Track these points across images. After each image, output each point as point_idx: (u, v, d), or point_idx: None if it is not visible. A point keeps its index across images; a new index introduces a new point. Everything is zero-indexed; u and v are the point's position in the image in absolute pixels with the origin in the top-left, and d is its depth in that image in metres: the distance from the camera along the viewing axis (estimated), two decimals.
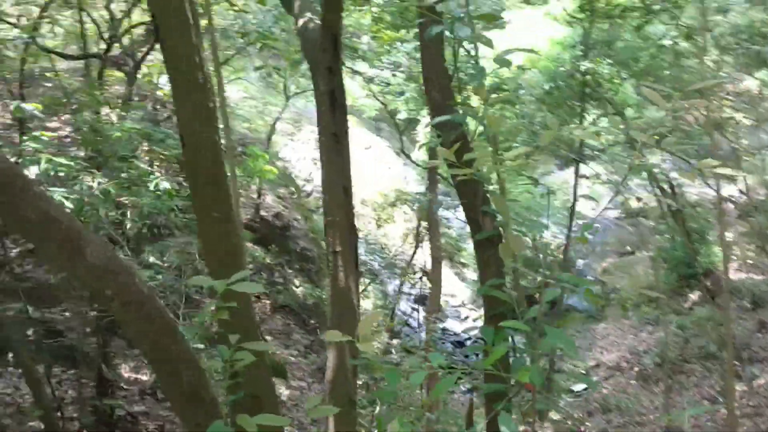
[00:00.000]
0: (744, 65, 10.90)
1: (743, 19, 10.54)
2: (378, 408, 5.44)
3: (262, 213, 10.84)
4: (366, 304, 14.34)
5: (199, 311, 5.70)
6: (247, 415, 1.70)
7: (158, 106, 9.45)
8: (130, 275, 1.93)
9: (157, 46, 4.24)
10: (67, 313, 5.36)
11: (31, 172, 3.36)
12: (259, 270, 10.51)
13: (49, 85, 8.62)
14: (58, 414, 4.69)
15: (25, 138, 4.04)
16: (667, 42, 9.90)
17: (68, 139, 7.43)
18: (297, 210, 11.99)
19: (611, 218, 18.32)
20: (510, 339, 2.77)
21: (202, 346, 4.06)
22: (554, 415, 8.33)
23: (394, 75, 8.43)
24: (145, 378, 6.08)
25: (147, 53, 7.07)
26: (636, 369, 12.60)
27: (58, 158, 3.64)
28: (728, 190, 14.01)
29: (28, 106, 4.14)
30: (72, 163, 3.74)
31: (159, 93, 7.62)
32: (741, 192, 14.82)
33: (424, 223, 15.53)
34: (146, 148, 5.78)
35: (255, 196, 10.81)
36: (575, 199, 8.80)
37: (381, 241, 13.55)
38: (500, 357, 1.80)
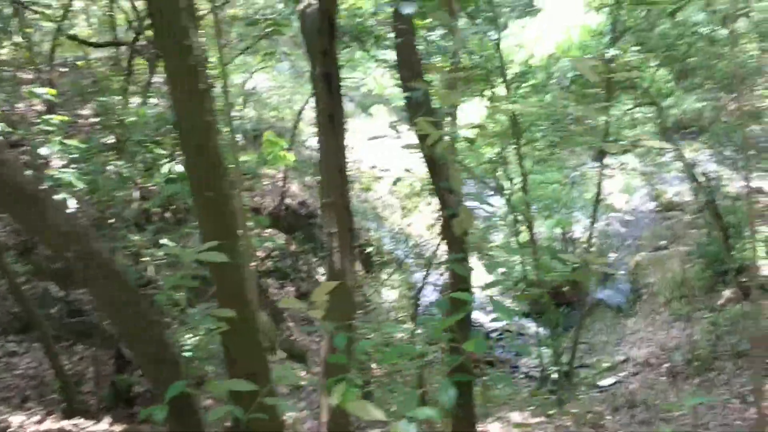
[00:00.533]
0: None
1: None
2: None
3: (288, 201, 10.98)
4: (392, 294, 14.41)
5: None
6: (216, 382, 1.74)
7: None
8: (92, 239, 2.00)
9: None
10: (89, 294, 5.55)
11: (42, 153, 3.49)
12: (284, 256, 10.66)
13: (83, 73, 8.90)
14: (78, 389, 4.88)
15: (37, 122, 4.20)
16: (703, 29, 9.57)
17: (98, 126, 7.66)
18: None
19: (646, 211, 17.89)
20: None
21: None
22: (574, 408, 8.23)
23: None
24: None
25: None
26: (666, 365, 12.32)
27: (71, 141, 3.76)
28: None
29: (41, 90, 4.29)
30: (83, 146, 3.86)
31: None
32: None
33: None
34: (173, 134, 5.92)
35: (280, 184, 10.94)
36: (599, 192, 8.60)
37: (406, 231, 13.55)
38: (461, 329, 1.80)
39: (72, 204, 3.77)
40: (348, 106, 19.65)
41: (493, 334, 14.83)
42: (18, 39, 6.71)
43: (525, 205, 13.28)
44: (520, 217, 11.95)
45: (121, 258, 5.02)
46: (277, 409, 2.79)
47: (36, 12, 6.64)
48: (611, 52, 7.76)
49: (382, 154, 16.58)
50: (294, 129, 10.78)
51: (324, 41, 2.92)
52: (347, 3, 8.79)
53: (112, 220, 5.31)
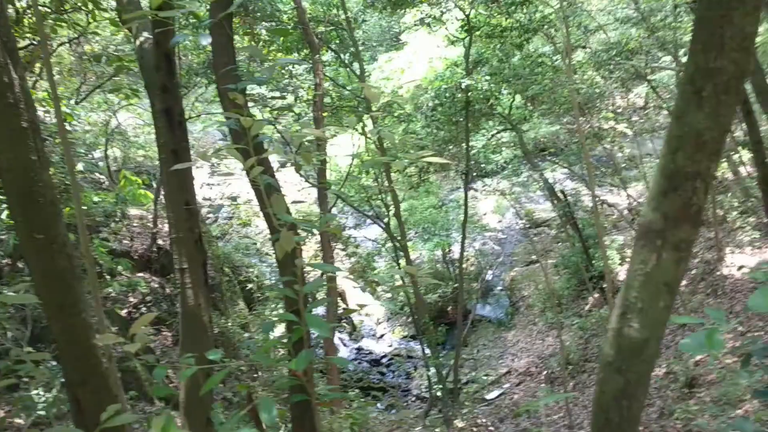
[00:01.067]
0: (619, 80, 11.69)
1: (617, 36, 11.36)
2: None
3: (160, 242, 10.48)
4: (277, 330, 14.10)
5: None
6: None
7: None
8: None
9: None
10: None
11: None
12: (159, 300, 10.13)
13: None
14: None
15: None
16: (547, 60, 10.48)
17: None
18: None
19: (517, 229, 19.06)
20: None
21: None
22: (460, 423, 8.48)
23: (284, 96, 8.46)
24: None
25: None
26: (544, 373, 13.08)
27: None
28: (622, 196, 14.96)
29: None
30: None
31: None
32: (630, 197, 15.89)
33: (335, 243, 15.54)
34: None
35: (151, 225, 10.44)
36: (466, 213, 9.05)
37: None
38: (297, 351, 1.82)
39: None
40: (222, 143, 19.29)
41: (383, 360, 15.00)
42: None
43: (398, 230, 13.70)
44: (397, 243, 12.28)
45: None
46: None
47: None
48: (466, 81, 8.31)
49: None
50: (161, 168, 10.37)
51: (162, 77, 2.88)
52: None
53: None
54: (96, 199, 6.17)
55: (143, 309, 9.94)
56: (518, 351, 14.70)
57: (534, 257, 17.56)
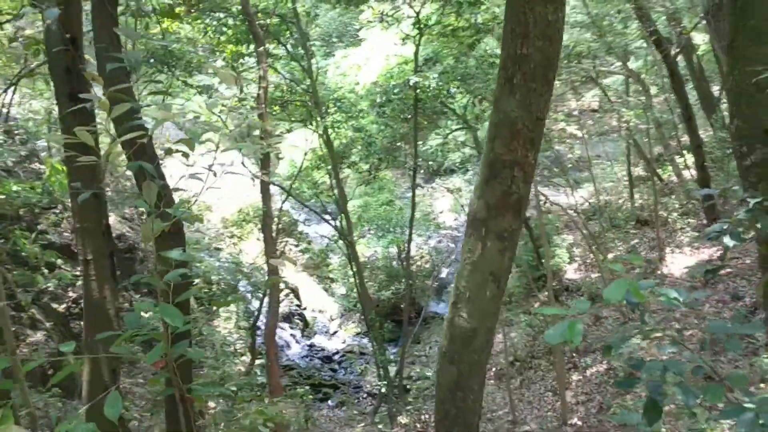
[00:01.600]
0: (568, 82, 11.88)
1: (566, 41, 11.54)
2: None
3: None
4: (229, 325, 13.92)
5: None
6: None
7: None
8: None
9: None
10: None
11: None
12: None
13: None
14: None
15: None
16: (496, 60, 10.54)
17: None
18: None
19: None
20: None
21: None
22: (404, 419, 8.51)
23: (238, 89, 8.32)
24: None
25: None
26: (494, 369, 13.25)
27: None
28: (575, 197, 15.25)
29: None
30: None
31: None
32: (583, 198, 16.23)
33: (288, 239, 15.39)
34: None
35: None
36: (413, 210, 9.07)
37: (240, 259, 13.23)
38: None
39: None
40: (177, 134, 18.90)
41: (336, 357, 14.96)
42: None
43: (346, 227, 13.65)
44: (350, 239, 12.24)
45: None
46: None
47: None
48: (414, 79, 8.32)
49: (215, 183, 16.11)
50: (105, 157, 10.07)
51: (67, 58, 2.78)
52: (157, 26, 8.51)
53: None
54: (15, 188, 5.93)
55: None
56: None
57: None
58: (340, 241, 11.92)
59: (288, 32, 8.83)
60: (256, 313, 13.08)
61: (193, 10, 7.80)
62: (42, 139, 10.66)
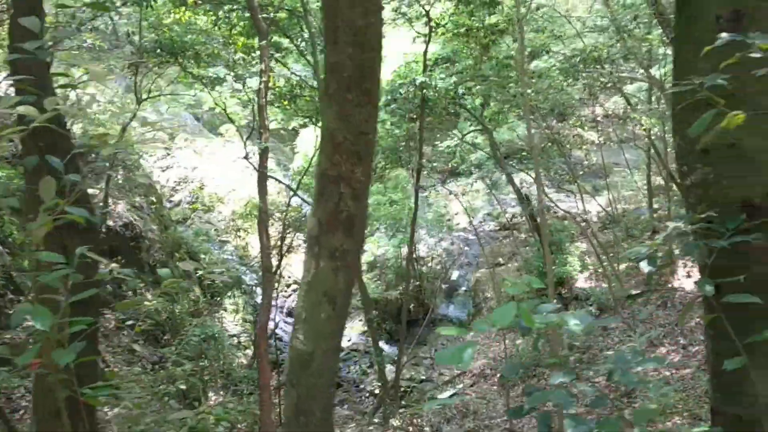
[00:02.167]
0: (586, 87, 11.62)
1: (585, 44, 11.30)
2: None
3: (110, 222, 10.32)
4: (234, 318, 13.99)
5: None
6: None
7: None
8: None
9: None
10: None
11: None
12: (104, 282, 9.99)
13: None
14: None
15: None
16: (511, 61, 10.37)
17: None
18: (154, 221, 11.51)
19: (487, 230, 19.04)
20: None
21: None
22: (396, 422, 8.44)
23: (236, 80, 8.32)
24: None
25: None
26: (498, 375, 13.09)
27: None
28: (587, 203, 14.94)
29: None
30: None
31: None
32: (601, 206, 15.92)
33: (297, 234, 15.39)
34: None
35: (102, 204, 10.26)
36: (416, 210, 8.96)
37: (246, 252, 13.29)
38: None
39: None
40: (194, 125, 19.06)
41: (340, 355, 14.94)
42: None
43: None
44: None
45: None
46: None
47: None
48: (419, 78, 8.21)
49: (228, 175, 16.24)
50: (116, 146, 10.18)
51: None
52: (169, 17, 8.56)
53: None
54: (1, 174, 6.00)
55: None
56: (475, 353, 14.68)
57: (500, 260, 17.57)
58: None
59: (298, 27, 8.80)
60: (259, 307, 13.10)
61: (200, 1, 7.80)
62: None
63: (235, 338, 13.68)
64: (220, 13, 9.02)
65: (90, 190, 10.81)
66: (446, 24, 8.80)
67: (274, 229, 14.26)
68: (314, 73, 8.48)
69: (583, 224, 11.85)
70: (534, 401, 1.71)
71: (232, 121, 9.31)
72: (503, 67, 10.07)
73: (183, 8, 8.74)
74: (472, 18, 9.16)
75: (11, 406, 6.34)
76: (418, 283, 14.76)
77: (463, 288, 17.48)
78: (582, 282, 13.82)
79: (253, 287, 12.83)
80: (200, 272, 12.22)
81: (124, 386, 5.63)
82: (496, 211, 19.10)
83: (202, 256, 12.31)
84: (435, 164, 16.24)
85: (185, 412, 5.01)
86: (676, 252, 9.95)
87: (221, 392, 11.78)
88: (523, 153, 17.47)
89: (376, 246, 15.27)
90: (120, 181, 11.51)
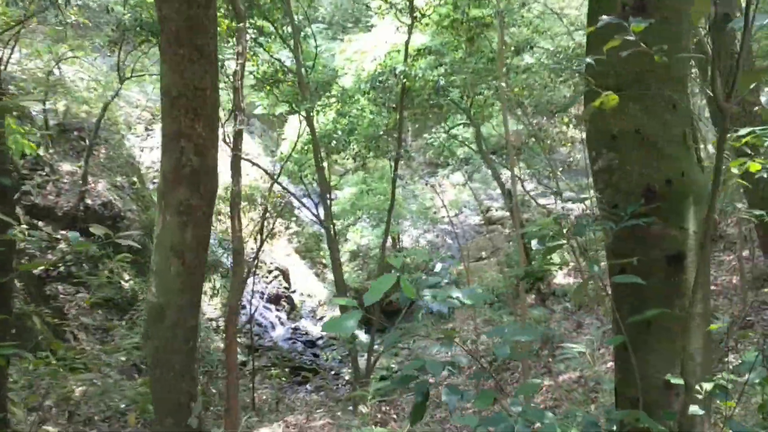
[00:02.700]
0: (570, 84, 11.65)
1: (566, 42, 11.31)
2: None
3: (88, 201, 10.30)
4: (214, 301, 14.02)
5: None
6: None
7: None
8: None
9: None
10: None
11: None
12: (80, 261, 9.98)
13: None
14: None
15: None
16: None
17: None
18: (134, 201, 11.49)
19: (472, 224, 19.12)
20: None
21: None
22: (364, 408, 8.51)
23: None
24: None
25: None
26: (473, 368, 13.19)
27: None
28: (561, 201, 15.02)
29: None
30: None
31: None
32: (586, 205, 15.98)
33: (280, 220, 15.40)
34: None
35: (81, 182, 10.25)
36: (392, 199, 8.99)
37: (228, 237, 13.26)
38: None
39: None
40: None
41: (320, 342, 14.99)
42: None
43: (345, 212, 13.60)
44: (338, 228, 12.21)
45: None
46: None
47: None
48: (399, 68, 8.22)
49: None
50: (97, 124, 10.18)
51: None
52: None
53: None
54: None
55: (62, 268, 9.79)
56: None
57: (483, 254, 17.66)
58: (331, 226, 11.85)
59: (281, 11, 8.78)
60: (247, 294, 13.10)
61: None
62: (38, 100, 10.74)
63: (213, 322, 13.72)
64: None
65: (69, 167, 10.78)
66: (430, 15, 8.80)
67: (256, 214, 14.28)
68: (295, 59, 8.48)
69: (561, 221, 11.90)
70: (408, 368, 1.76)
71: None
72: (489, 61, 10.09)
73: None
74: (456, 9, 9.16)
75: None
76: (399, 274, 14.80)
77: (446, 280, 17.48)
78: (560, 278, 13.93)
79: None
80: None
81: (71, 359, 5.65)
82: (482, 206, 19.18)
83: None
84: (423, 157, 16.27)
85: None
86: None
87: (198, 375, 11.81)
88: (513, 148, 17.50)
89: (359, 235, 15.30)
90: (102, 160, 11.47)
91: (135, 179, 12.30)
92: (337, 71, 12.05)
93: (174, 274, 1.96)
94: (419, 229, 16.68)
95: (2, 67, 10.27)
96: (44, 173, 10.11)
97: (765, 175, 2.04)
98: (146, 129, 14.28)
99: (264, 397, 11.96)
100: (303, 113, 8.26)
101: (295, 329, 14.92)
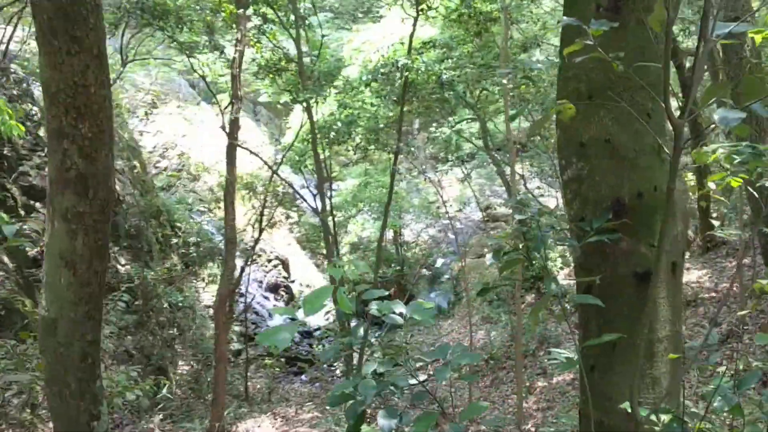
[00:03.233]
0: None
1: None
2: None
3: None
4: (212, 289, 14.00)
5: None
6: None
7: None
8: None
9: None
10: None
11: None
12: None
13: None
14: None
15: None
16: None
17: None
18: (134, 185, 11.46)
19: (476, 221, 18.99)
20: None
21: None
22: None
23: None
24: None
25: None
26: (469, 365, 13.13)
27: None
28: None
29: None
30: None
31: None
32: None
33: (280, 209, 15.34)
34: None
35: None
36: (391, 192, 8.90)
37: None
38: None
39: None
40: (189, 92, 18.89)
41: (317, 333, 14.96)
42: None
43: (345, 204, 13.49)
44: (339, 219, 12.13)
45: None
46: None
47: None
48: (402, 60, 8.10)
49: (218, 144, 16.14)
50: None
51: None
52: None
53: None
54: None
55: None
56: (451, 340, 14.73)
57: (486, 250, 17.53)
58: (329, 218, 11.79)
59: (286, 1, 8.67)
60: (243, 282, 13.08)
61: None
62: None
63: (210, 309, 13.72)
64: None
65: None
66: (437, 7, 8.65)
67: (257, 202, 14.22)
68: (296, 47, 8.37)
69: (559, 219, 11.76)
70: (339, 388, 1.67)
71: (210, 89, 9.21)
72: (495, 57, 9.94)
73: None
74: (463, 3, 9.01)
75: None
76: (399, 267, 14.77)
77: (446, 276, 17.47)
78: (561, 279, 13.79)
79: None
80: (175, 240, 12.20)
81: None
82: (485, 202, 19.02)
83: (179, 224, 12.26)
84: (430, 150, 16.12)
85: None
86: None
87: (192, 363, 11.83)
88: (516, 145, 17.33)
89: (361, 228, 15.23)
90: None
91: (136, 163, 12.28)
92: (344, 61, 11.92)
93: (64, 285, 1.87)
94: (421, 223, 16.57)
95: (6, 45, 10.24)
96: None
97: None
98: (146, 114, 14.24)
99: (258, 386, 11.95)
100: (303, 102, 8.17)
101: (293, 319, 14.90)
